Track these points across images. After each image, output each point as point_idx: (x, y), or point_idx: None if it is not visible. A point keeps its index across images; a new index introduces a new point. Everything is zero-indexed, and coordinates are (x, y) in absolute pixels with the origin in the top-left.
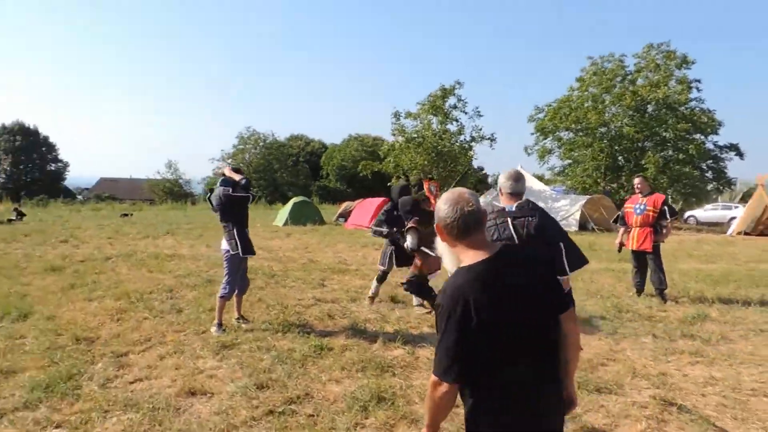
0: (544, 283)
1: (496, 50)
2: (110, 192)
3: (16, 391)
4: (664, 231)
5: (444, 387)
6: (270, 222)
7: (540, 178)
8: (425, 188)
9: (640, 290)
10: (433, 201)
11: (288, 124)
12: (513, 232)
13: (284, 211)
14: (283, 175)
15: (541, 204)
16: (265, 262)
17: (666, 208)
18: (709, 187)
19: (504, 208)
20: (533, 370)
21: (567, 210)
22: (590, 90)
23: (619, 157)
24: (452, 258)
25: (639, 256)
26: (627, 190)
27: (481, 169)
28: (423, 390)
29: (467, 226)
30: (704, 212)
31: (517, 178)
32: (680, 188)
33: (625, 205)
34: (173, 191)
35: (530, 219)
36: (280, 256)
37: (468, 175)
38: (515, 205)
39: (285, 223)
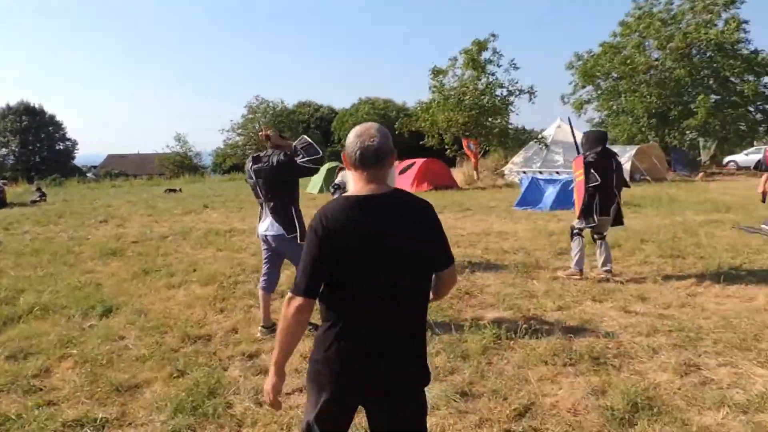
0: (423, 237)
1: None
2: (119, 168)
3: (153, 415)
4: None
5: (296, 302)
6: (302, 190)
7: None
8: (464, 146)
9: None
10: (474, 159)
11: (296, 90)
12: None
13: (318, 177)
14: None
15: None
16: None
17: None
18: (760, 129)
19: None
20: (383, 318)
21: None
22: (634, 36)
23: (665, 103)
24: (351, 186)
25: None
26: (673, 136)
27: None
28: (675, 387)
29: (363, 159)
30: (746, 156)
31: None
32: (735, 131)
33: (766, 148)
34: (183, 164)
35: None
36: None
37: (507, 130)
38: None
39: (320, 191)
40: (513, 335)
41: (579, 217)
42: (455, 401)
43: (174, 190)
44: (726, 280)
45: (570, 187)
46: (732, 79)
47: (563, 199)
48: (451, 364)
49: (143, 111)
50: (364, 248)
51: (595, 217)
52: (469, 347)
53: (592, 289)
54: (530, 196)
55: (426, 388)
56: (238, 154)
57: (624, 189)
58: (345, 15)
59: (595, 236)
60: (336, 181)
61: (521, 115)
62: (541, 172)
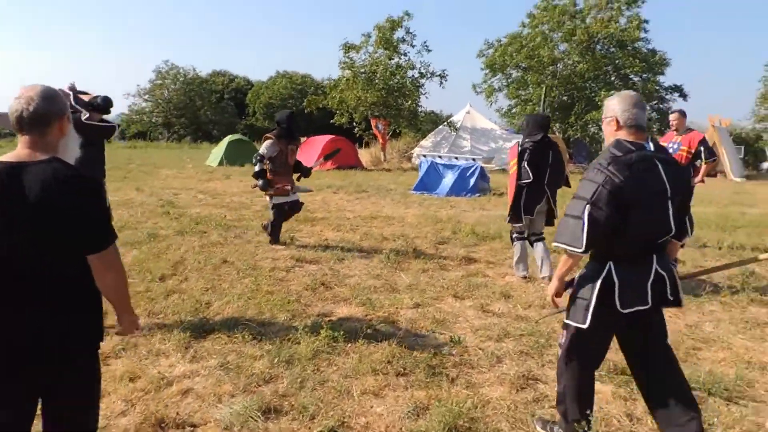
0: (64, 213)
1: None
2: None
3: None
4: (699, 173)
5: None
6: (202, 162)
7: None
8: (373, 127)
9: None
10: (382, 140)
11: (210, 59)
12: (666, 180)
13: (218, 150)
14: (207, 113)
15: (492, 144)
16: (213, 209)
17: (702, 148)
18: (654, 128)
19: (643, 146)
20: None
21: None
22: (541, 27)
23: (567, 96)
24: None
25: None
26: (576, 129)
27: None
28: (506, 405)
29: (19, 123)
30: None
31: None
32: None
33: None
34: None
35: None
36: (227, 202)
37: (417, 112)
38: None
39: (220, 163)
40: (353, 337)
41: (508, 216)
42: (254, 420)
43: None
44: None
45: (467, 174)
46: (632, 76)
47: (460, 186)
48: (272, 370)
49: (30, 63)
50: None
51: (522, 216)
52: (298, 350)
53: (457, 284)
54: (428, 181)
55: (223, 403)
56: (145, 121)
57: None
58: None
59: (531, 237)
60: (259, 151)
61: (433, 99)
62: (440, 157)
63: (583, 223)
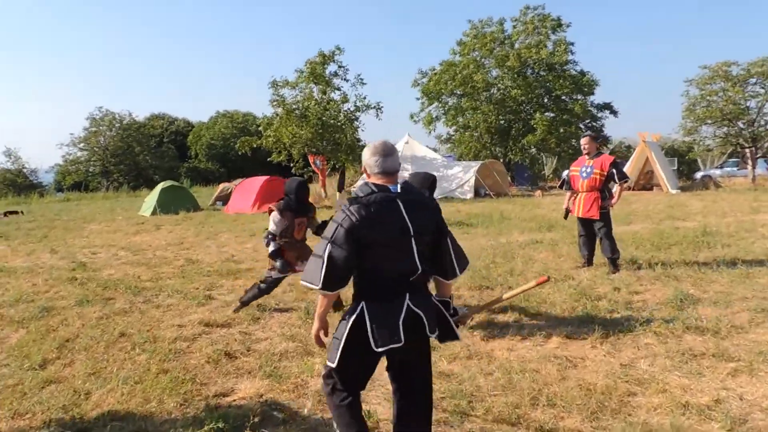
0: None
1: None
2: None
3: None
4: (614, 196)
5: None
6: (135, 212)
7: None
8: (311, 163)
9: (589, 261)
10: (321, 176)
11: (146, 103)
12: (408, 219)
13: (151, 199)
14: (147, 158)
15: (433, 173)
16: (130, 268)
17: (615, 170)
18: None
19: (388, 188)
20: None
21: (461, 178)
22: (473, 54)
23: (505, 120)
24: None
25: (586, 224)
26: (515, 152)
27: (358, 140)
28: None
29: None
30: None
31: (391, 152)
32: (568, 148)
33: (570, 168)
34: (16, 183)
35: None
36: (149, 258)
37: (355, 146)
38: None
39: (153, 212)
40: (243, 425)
41: None
42: None
43: (14, 213)
44: (526, 316)
45: None
46: (564, 97)
47: None
48: None
49: None
50: None
51: None
52: None
53: None
54: None
55: None
56: (81, 171)
57: (461, 205)
58: (198, 23)
59: None
60: (269, 229)
61: (373, 131)
62: None
63: (322, 261)
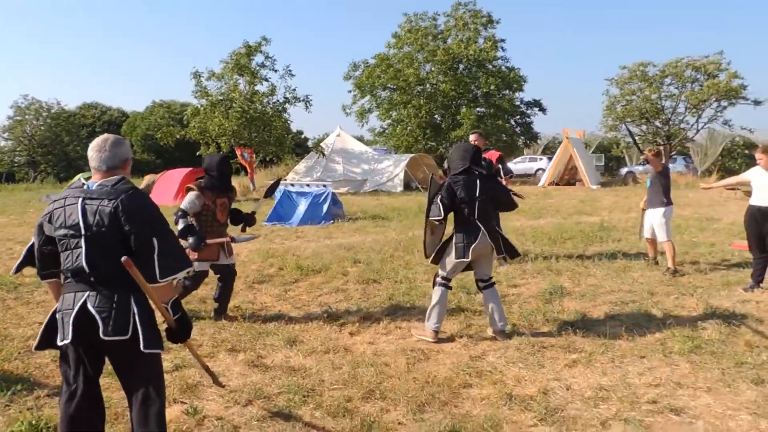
0: None
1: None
2: None
3: None
4: None
5: None
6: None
7: (360, 139)
8: (238, 155)
9: None
10: (249, 169)
11: (77, 92)
12: (80, 217)
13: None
14: (77, 149)
15: (364, 166)
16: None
17: (501, 165)
18: (519, 141)
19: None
20: None
21: (391, 171)
22: (406, 48)
23: (437, 115)
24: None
25: None
26: (446, 147)
27: (301, 132)
28: None
29: None
30: (513, 165)
31: (101, 148)
32: (494, 142)
33: None
34: None
35: (106, 203)
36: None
37: (284, 138)
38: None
39: None
40: None
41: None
42: None
43: None
44: (399, 312)
45: (320, 201)
46: (493, 93)
47: (313, 214)
48: None
49: None
50: None
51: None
52: None
53: (244, 333)
54: (282, 211)
55: None
56: (6, 161)
57: (386, 198)
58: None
59: (479, 283)
60: (180, 206)
61: (305, 123)
62: (293, 185)
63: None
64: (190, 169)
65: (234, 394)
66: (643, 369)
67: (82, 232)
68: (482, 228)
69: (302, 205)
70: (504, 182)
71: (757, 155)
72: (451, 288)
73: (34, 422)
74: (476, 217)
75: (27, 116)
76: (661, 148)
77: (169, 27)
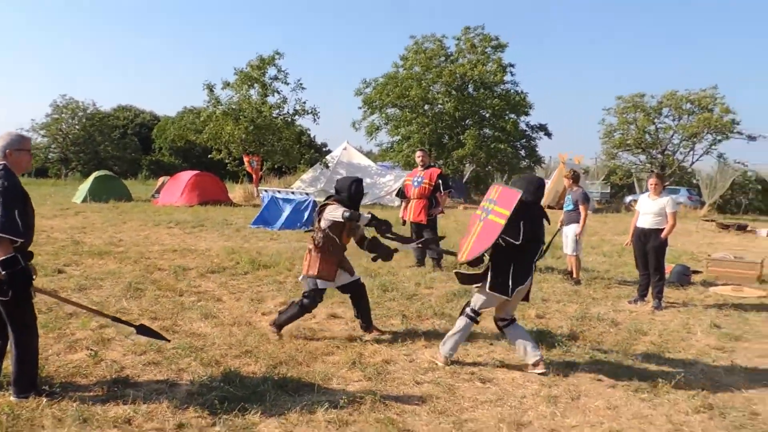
0: None
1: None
2: None
3: None
4: (439, 204)
5: None
6: (69, 199)
7: (368, 154)
8: (246, 163)
9: (420, 262)
10: (255, 176)
11: (113, 94)
12: None
13: (84, 186)
14: (107, 149)
15: (367, 180)
16: None
17: (440, 181)
18: (523, 164)
19: None
20: None
21: (391, 186)
22: (414, 69)
23: (443, 133)
24: None
25: (417, 228)
26: (449, 165)
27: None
28: None
29: None
30: None
31: None
32: (496, 164)
33: (405, 178)
34: None
35: None
36: (41, 240)
37: (292, 149)
38: None
39: (84, 200)
40: None
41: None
42: None
43: None
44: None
45: (301, 208)
46: (500, 115)
47: (294, 219)
48: None
49: None
50: None
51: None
52: None
53: (165, 307)
54: (268, 215)
55: None
56: (41, 157)
57: (380, 211)
58: (169, 15)
59: (499, 323)
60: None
61: (315, 134)
62: (279, 191)
63: None
64: (197, 172)
65: (135, 347)
66: (479, 350)
67: None
68: (533, 271)
69: (287, 211)
70: (443, 196)
71: (650, 181)
72: (478, 323)
73: None
74: (535, 259)
75: (63, 115)
76: (580, 171)
77: (202, 38)
